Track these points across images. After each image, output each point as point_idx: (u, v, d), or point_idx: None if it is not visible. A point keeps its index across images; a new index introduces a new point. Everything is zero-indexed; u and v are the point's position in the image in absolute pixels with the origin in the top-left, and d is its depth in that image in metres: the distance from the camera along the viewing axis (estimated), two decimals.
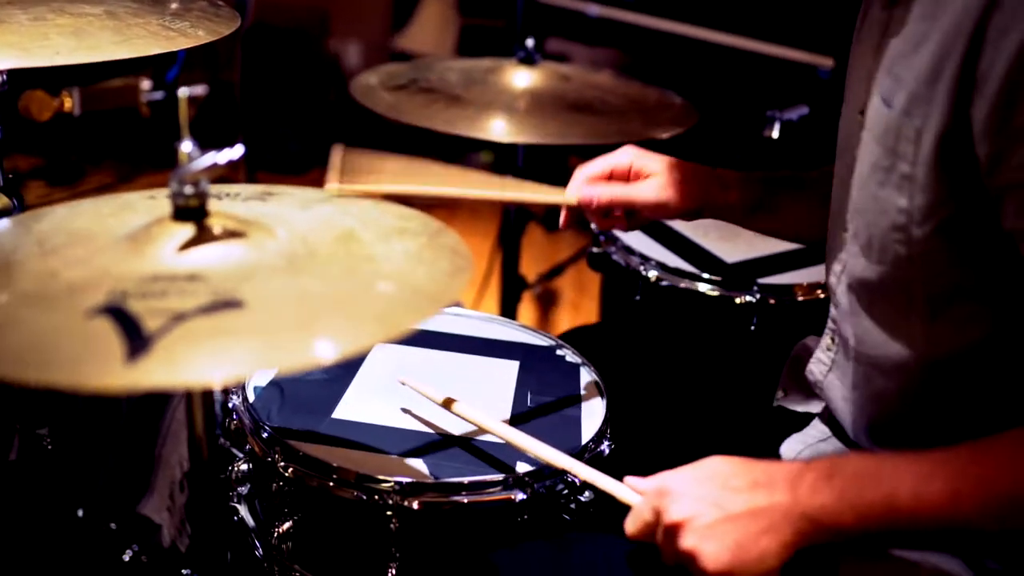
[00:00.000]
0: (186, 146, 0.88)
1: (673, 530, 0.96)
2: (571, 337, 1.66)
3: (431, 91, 2.09)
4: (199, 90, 2.55)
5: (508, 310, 2.71)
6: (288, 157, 4.51)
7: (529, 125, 2.01)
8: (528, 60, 2.18)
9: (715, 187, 1.38)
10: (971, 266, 1.00)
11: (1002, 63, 0.87)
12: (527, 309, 3.42)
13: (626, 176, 1.38)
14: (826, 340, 1.26)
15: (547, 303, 3.57)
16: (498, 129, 1.96)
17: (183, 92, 0.81)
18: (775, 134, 2.09)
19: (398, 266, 0.94)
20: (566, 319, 3.52)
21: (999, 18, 0.87)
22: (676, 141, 1.97)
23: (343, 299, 0.87)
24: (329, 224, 1.00)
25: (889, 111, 1.02)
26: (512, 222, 2.60)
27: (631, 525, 1.02)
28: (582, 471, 1.13)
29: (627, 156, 1.38)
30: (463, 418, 1.26)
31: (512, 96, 2.11)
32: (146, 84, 2.49)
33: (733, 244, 1.94)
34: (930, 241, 1.00)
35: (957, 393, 1.08)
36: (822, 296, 1.73)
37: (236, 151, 0.87)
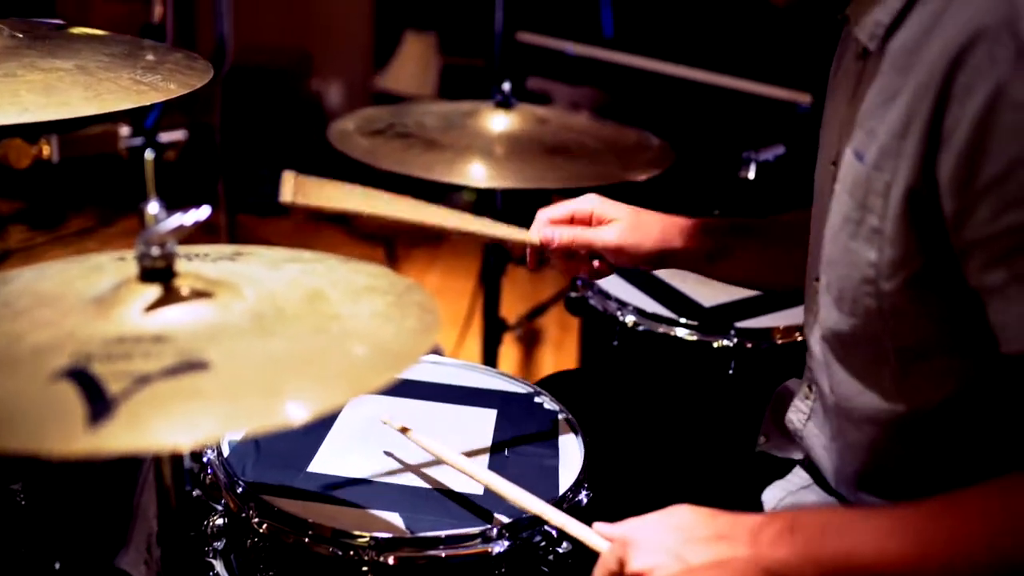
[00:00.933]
0: (152, 207, 0.87)
1: None
2: (550, 383, 1.65)
3: (408, 136, 2.09)
4: (178, 135, 2.55)
5: (490, 352, 2.70)
6: (269, 199, 4.48)
7: (507, 169, 2.01)
8: (505, 104, 2.18)
9: (674, 235, 1.39)
10: (941, 320, 1.00)
11: (967, 121, 0.88)
12: (510, 350, 3.41)
13: (588, 221, 1.41)
14: (804, 388, 1.26)
15: (530, 343, 3.56)
16: (476, 174, 1.96)
17: (149, 155, 0.81)
18: (751, 175, 2.10)
19: (365, 325, 0.93)
20: (549, 358, 3.51)
21: (964, 77, 0.88)
22: (652, 183, 1.98)
23: (309, 359, 0.87)
24: (297, 284, 1.00)
25: (861, 164, 1.02)
26: (492, 264, 2.59)
27: (598, 574, 1.02)
28: (553, 516, 1.13)
29: (589, 203, 1.40)
30: (425, 449, 1.26)
31: (489, 140, 2.12)
32: (125, 130, 2.49)
33: (710, 287, 1.93)
34: (899, 295, 1.00)
35: (934, 445, 1.07)
36: (800, 339, 1.73)
37: (202, 212, 0.87)
